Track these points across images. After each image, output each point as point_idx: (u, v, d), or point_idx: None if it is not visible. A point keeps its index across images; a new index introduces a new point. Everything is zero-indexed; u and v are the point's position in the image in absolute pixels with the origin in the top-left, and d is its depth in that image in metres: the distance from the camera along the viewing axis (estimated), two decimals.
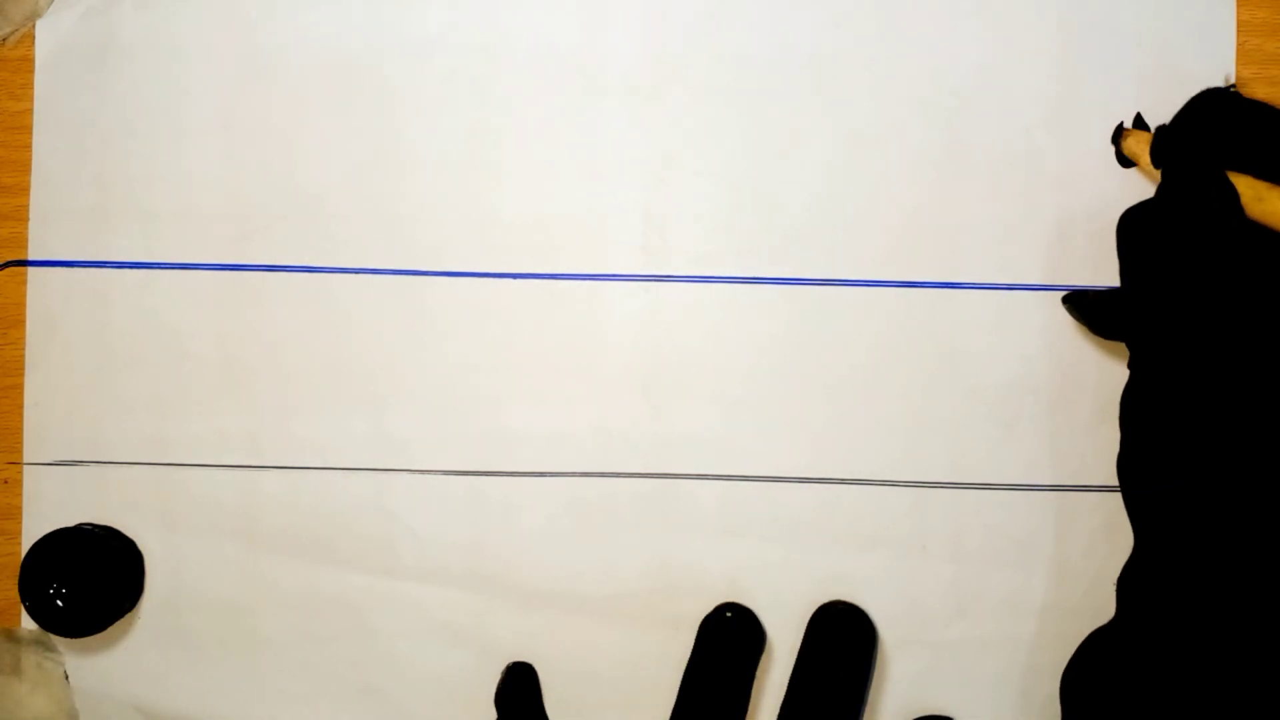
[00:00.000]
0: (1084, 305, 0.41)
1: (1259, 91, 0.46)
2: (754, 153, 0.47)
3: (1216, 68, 0.45)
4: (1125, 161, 0.44)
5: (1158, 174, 0.40)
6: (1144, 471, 0.36)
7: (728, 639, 0.45)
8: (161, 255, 0.47)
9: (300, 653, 0.47)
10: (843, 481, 0.47)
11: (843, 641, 0.45)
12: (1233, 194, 0.35)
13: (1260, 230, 0.36)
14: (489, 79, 0.47)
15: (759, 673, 0.46)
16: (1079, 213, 0.45)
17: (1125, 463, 0.37)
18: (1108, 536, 0.46)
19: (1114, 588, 0.40)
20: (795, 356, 0.47)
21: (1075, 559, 0.46)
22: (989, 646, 0.46)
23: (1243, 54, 0.46)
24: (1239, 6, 0.46)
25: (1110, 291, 0.40)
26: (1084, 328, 0.44)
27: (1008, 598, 0.46)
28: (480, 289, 0.47)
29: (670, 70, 0.47)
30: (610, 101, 0.47)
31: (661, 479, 0.47)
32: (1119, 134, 0.44)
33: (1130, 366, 0.38)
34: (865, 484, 0.47)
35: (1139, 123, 0.44)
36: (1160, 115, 0.45)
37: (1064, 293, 0.42)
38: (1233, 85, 0.40)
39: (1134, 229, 0.38)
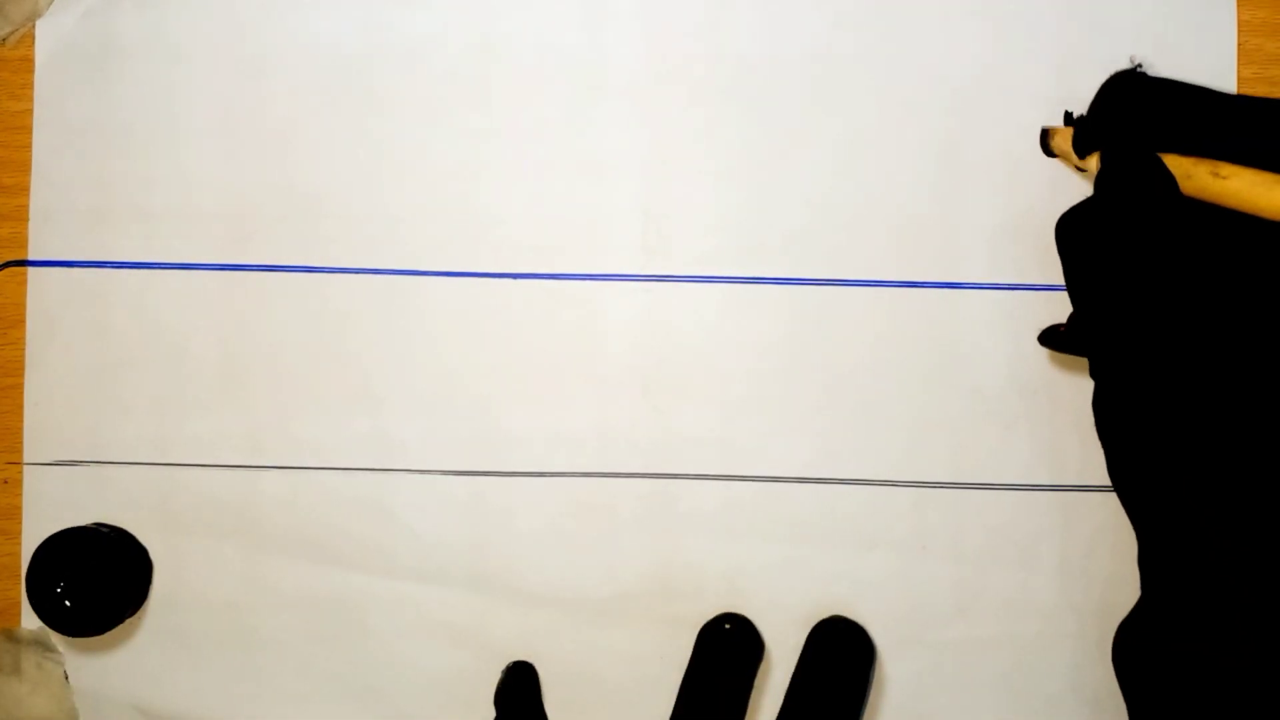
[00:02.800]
0: (1059, 339, 0.42)
1: (1260, 91, 0.46)
2: (754, 152, 0.47)
3: (1217, 68, 0.46)
4: (1052, 155, 0.45)
5: (1089, 168, 0.40)
6: (1134, 478, 0.36)
7: (726, 649, 0.45)
8: (161, 255, 0.48)
9: (300, 653, 0.48)
10: (843, 482, 0.47)
11: (841, 657, 0.45)
12: (1167, 175, 0.36)
13: (1197, 207, 0.36)
14: (488, 79, 0.47)
15: (757, 682, 0.46)
16: None
17: (1114, 471, 0.37)
18: (1109, 536, 0.46)
19: (1115, 587, 0.42)
20: (796, 356, 0.47)
21: (1076, 559, 0.47)
22: (990, 647, 0.47)
23: (1243, 54, 0.46)
24: (1239, 6, 0.46)
25: (1073, 314, 0.40)
26: (1053, 357, 0.45)
27: (1009, 598, 0.46)
28: (480, 289, 0.47)
29: (670, 70, 0.47)
30: (610, 101, 0.47)
31: (662, 479, 0.47)
32: (1045, 136, 0.45)
33: (1093, 375, 0.38)
34: (866, 484, 0.47)
35: (1068, 120, 0.44)
36: None
37: (1065, 283, 0.41)
38: (1139, 65, 0.40)
39: (1073, 231, 0.39)
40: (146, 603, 0.48)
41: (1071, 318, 0.41)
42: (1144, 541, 0.36)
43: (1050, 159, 0.46)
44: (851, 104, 0.47)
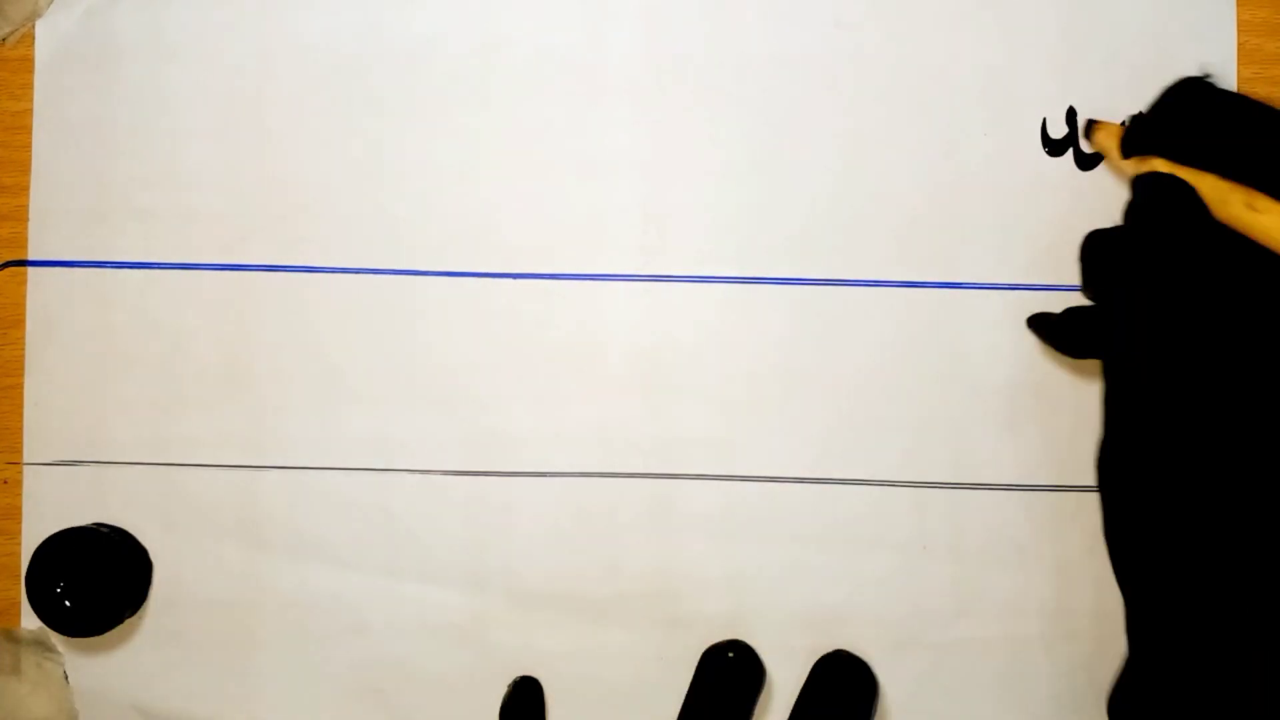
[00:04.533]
0: (1050, 327, 0.41)
1: (1260, 91, 0.46)
2: (754, 153, 0.47)
3: (1217, 68, 0.46)
4: (1084, 163, 0.44)
5: (1127, 170, 0.40)
6: (1134, 537, 0.34)
7: (728, 678, 0.45)
8: (161, 255, 0.48)
9: (300, 653, 0.48)
10: (844, 482, 0.47)
11: (843, 694, 0.45)
12: (1198, 203, 0.35)
13: (1230, 238, 0.35)
14: (487, 79, 0.47)
15: (757, 711, 0.46)
16: (1082, 213, 0.45)
17: (1112, 529, 0.35)
18: None
19: (1114, 589, 0.39)
20: (796, 357, 0.47)
21: (1077, 560, 0.47)
22: (990, 647, 0.47)
23: (1243, 54, 0.46)
24: (1239, 6, 0.46)
25: (1078, 310, 0.39)
26: (1051, 349, 0.44)
27: (1009, 598, 0.46)
28: (480, 289, 0.47)
29: (671, 70, 0.47)
30: (610, 101, 0.47)
31: (661, 480, 0.47)
32: (1089, 128, 0.44)
33: (1104, 420, 0.36)
34: (866, 485, 0.47)
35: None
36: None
37: (1075, 288, 0.41)
38: (1209, 75, 0.39)
39: (1098, 251, 0.38)
40: (146, 603, 0.48)
41: (1068, 311, 0.40)
42: (1135, 604, 0.35)
43: (1054, 158, 0.46)
44: (853, 104, 0.47)
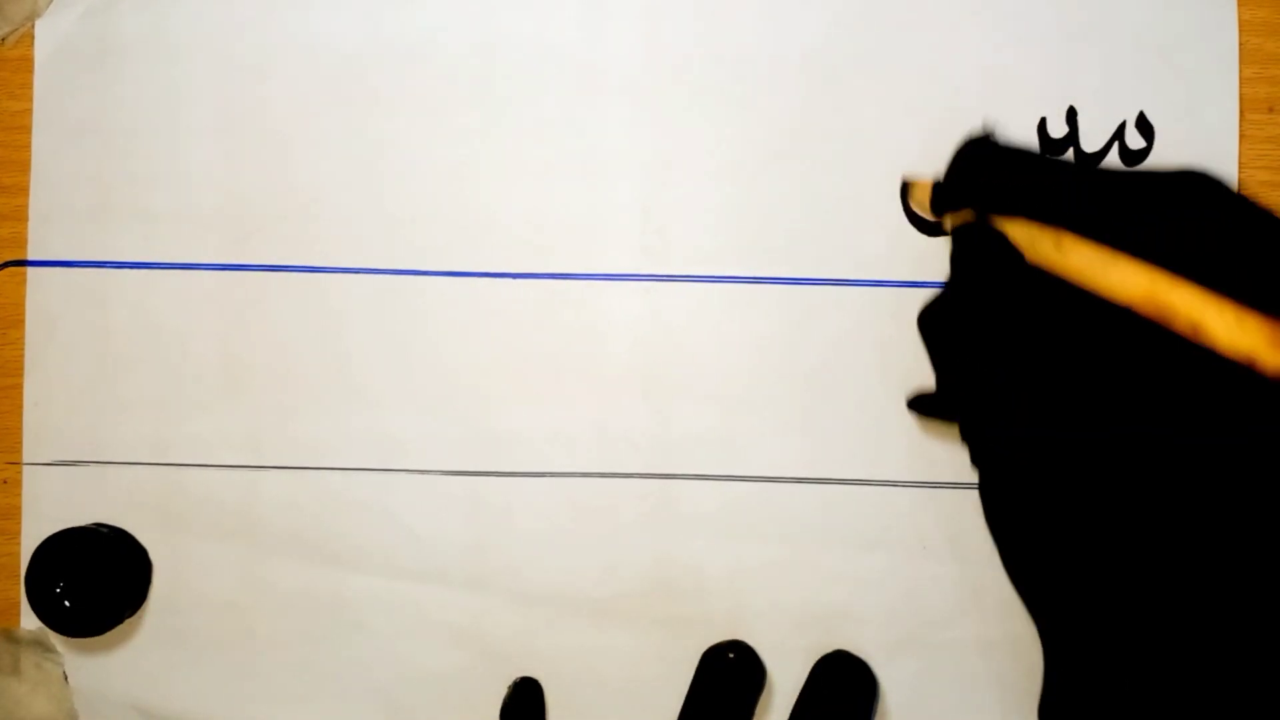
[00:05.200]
0: (928, 404, 0.42)
1: (1260, 91, 0.46)
2: (754, 151, 0.47)
3: (1217, 67, 0.46)
4: (917, 221, 0.45)
5: (946, 226, 0.40)
6: (1024, 568, 0.36)
7: (729, 678, 0.45)
8: (161, 255, 0.48)
9: (299, 653, 0.48)
10: (843, 482, 0.47)
11: (843, 693, 0.45)
12: (1010, 249, 0.35)
13: (1046, 279, 0.35)
14: (487, 78, 0.47)
15: (758, 712, 0.46)
16: None
17: (1006, 563, 0.37)
18: None
19: None
20: (796, 357, 0.47)
21: None
22: (990, 647, 0.47)
23: (1244, 54, 0.47)
24: (1239, 6, 0.47)
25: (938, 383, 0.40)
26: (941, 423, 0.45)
27: (1009, 598, 0.44)
28: (480, 289, 0.47)
29: (670, 69, 0.47)
30: (610, 100, 0.47)
31: (661, 479, 0.47)
32: (904, 191, 0.45)
33: (972, 461, 0.37)
34: (866, 484, 0.47)
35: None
36: (1161, 114, 0.46)
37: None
38: (991, 133, 0.40)
39: (932, 321, 0.39)
40: (146, 603, 0.48)
41: (939, 392, 0.41)
42: (1043, 626, 0.36)
43: (1054, 157, 0.46)
44: (851, 103, 0.47)
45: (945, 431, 0.47)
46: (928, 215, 0.42)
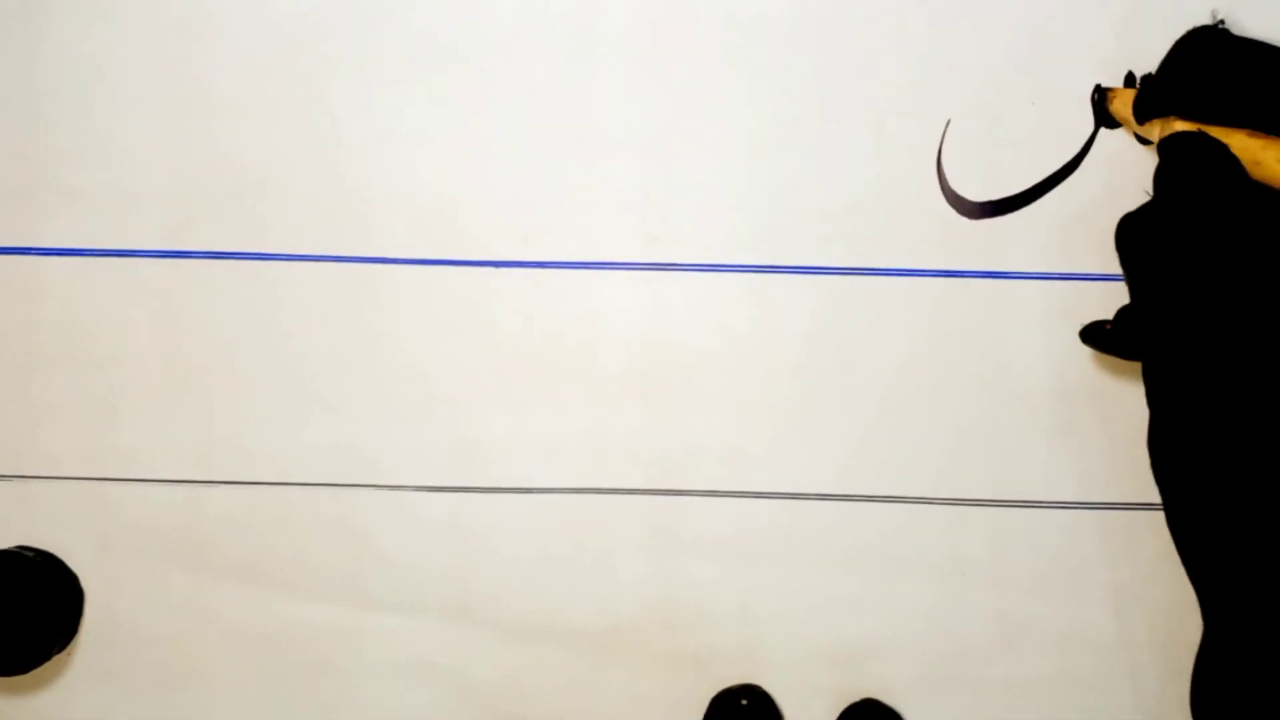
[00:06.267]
0: (1104, 337, 0.40)
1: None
2: (771, 124, 0.44)
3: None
4: (1110, 122, 0.43)
5: (1151, 136, 0.39)
6: (1198, 522, 0.33)
7: None
8: (93, 241, 0.45)
9: (253, 694, 0.46)
10: (872, 499, 0.45)
11: None
12: (1233, 163, 0.34)
13: (1270, 196, 0.34)
14: (467, 40, 0.45)
15: None
16: (1138, 193, 0.42)
17: (1175, 518, 0.34)
18: (1173, 561, 0.42)
19: (1179, 618, 0.40)
20: (819, 357, 0.45)
21: (1136, 586, 0.44)
22: (1038, 687, 0.45)
23: None
24: None
25: (1129, 309, 0.38)
26: (1109, 356, 0.42)
27: (1059, 631, 0.45)
28: (457, 279, 0.45)
29: (674, 29, 0.44)
30: (605, 65, 0.44)
31: (665, 496, 0.45)
32: (1102, 99, 0.42)
33: (1150, 401, 0.35)
34: (897, 502, 0.45)
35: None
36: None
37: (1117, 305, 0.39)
38: (1221, 21, 0.38)
39: (1134, 236, 0.37)
40: (77, 637, 0.46)
41: (1119, 314, 0.38)
42: (1204, 590, 0.34)
43: (1112, 129, 0.43)
44: (884, 69, 0.44)
45: (998, 440, 0.45)
46: (1131, 128, 0.40)
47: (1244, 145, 0.35)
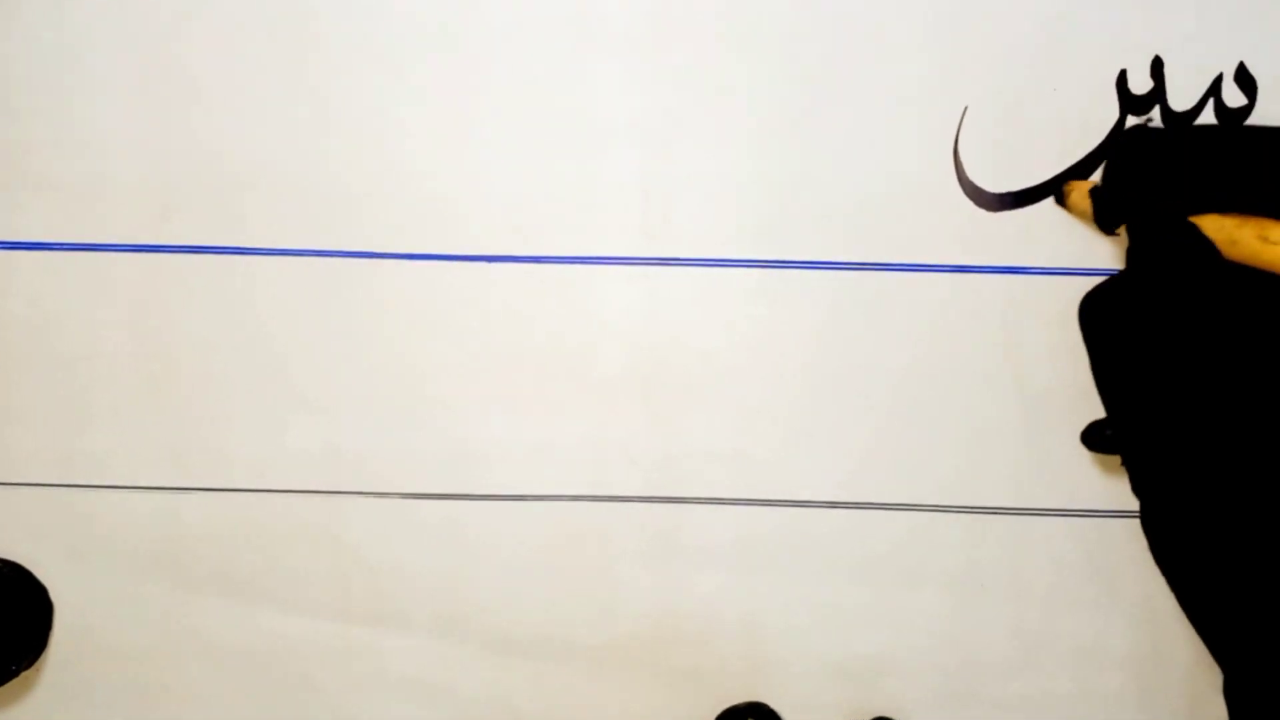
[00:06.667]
0: (1106, 440, 0.41)
1: None
2: (777, 114, 0.44)
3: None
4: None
5: (1119, 236, 0.40)
6: (1213, 608, 0.35)
7: None
8: (65, 235, 0.45)
9: (233, 712, 0.46)
10: (883, 506, 0.45)
11: None
12: (1206, 242, 0.35)
13: (1246, 276, 0.35)
14: (460, 24, 0.44)
15: None
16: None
17: (1187, 603, 0.36)
18: None
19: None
20: (826, 356, 0.44)
21: (1165, 599, 0.42)
22: (1060, 704, 0.45)
23: None
24: None
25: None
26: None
27: (1082, 645, 0.44)
28: (448, 275, 0.45)
29: (676, 14, 0.44)
30: (605, 51, 0.44)
31: (666, 504, 0.45)
32: (1061, 195, 0.43)
33: (1135, 490, 0.37)
34: (910, 509, 0.45)
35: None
36: (1266, 64, 0.42)
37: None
38: (1149, 119, 0.39)
39: (1102, 314, 0.38)
40: (45, 652, 0.45)
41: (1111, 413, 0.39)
42: (1224, 662, 0.35)
43: (1137, 116, 0.42)
44: (895, 53, 0.43)
45: (1017, 443, 0.44)
46: (1091, 227, 0.41)
47: (1217, 226, 0.35)
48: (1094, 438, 0.40)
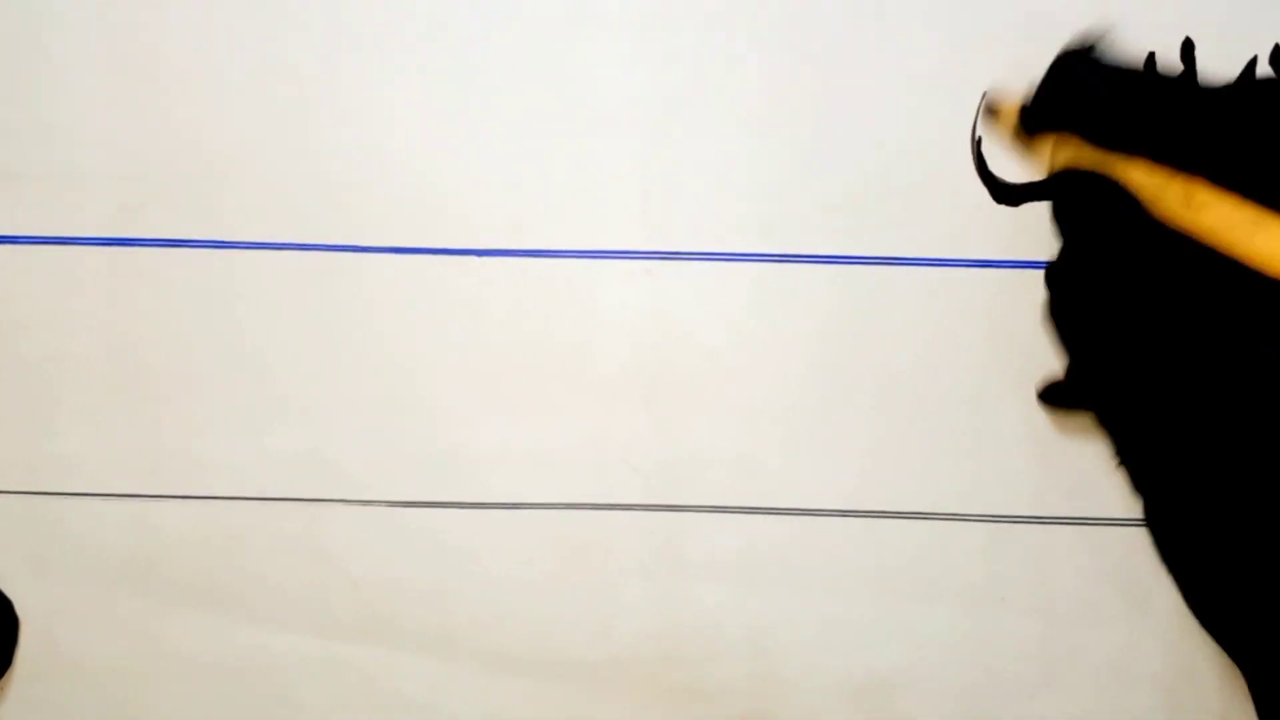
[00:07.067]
0: (1060, 393, 0.40)
1: None
2: (784, 100, 0.43)
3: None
4: (989, 179, 0.42)
5: (1040, 155, 0.39)
6: (1220, 605, 0.35)
7: None
8: (31, 227, 0.44)
9: None
10: (896, 515, 0.44)
11: None
12: (1126, 198, 0.34)
13: (1162, 236, 0.34)
14: (451, 5, 0.43)
15: None
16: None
17: (1192, 601, 0.36)
18: None
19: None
20: (835, 356, 0.44)
21: None
22: None
23: None
24: None
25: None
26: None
27: (1110, 661, 0.44)
28: (437, 269, 0.44)
29: (676, 1, 0.44)
30: (603, 35, 0.43)
31: (668, 512, 0.44)
32: (975, 133, 0.42)
33: (1135, 489, 0.36)
34: (925, 518, 0.44)
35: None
36: None
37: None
38: (1093, 45, 0.38)
39: (1058, 285, 0.37)
40: (11, 668, 0.44)
41: (1068, 369, 0.38)
42: (1238, 658, 0.34)
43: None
44: (909, 38, 0.42)
45: (1038, 448, 0.43)
46: (1014, 143, 0.40)
47: (1146, 178, 0.34)
48: (1052, 395, 0.39)
